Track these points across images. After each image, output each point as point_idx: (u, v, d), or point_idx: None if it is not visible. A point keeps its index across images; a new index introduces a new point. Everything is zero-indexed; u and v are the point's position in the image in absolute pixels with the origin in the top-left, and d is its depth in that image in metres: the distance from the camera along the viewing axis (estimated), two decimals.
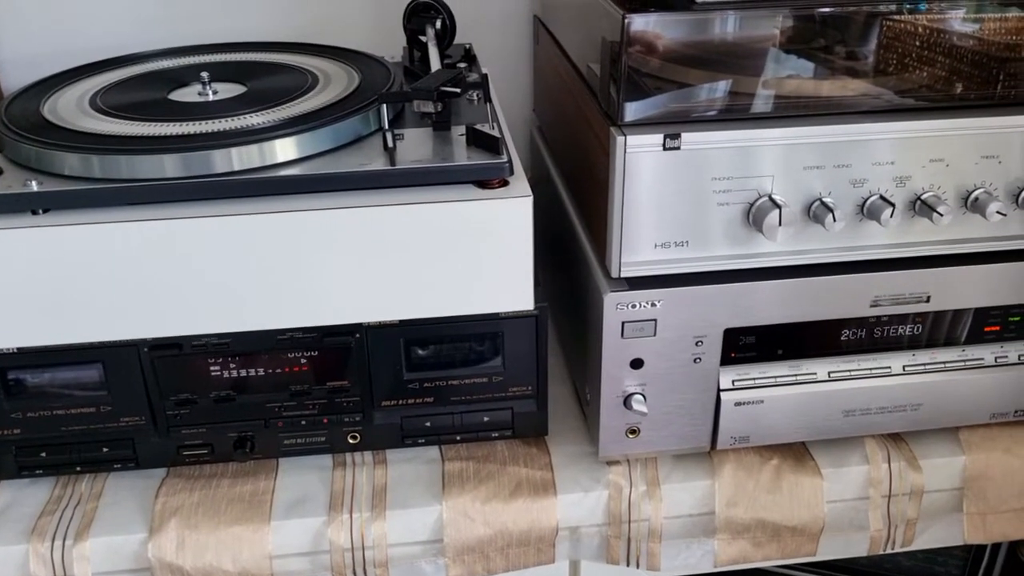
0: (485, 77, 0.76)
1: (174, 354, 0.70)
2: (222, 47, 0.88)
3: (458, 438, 0.76)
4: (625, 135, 0.62)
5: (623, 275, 0.67)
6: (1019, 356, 0.75)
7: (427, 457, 0.77)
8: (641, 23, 0.61)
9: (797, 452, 0.77)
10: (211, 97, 0.75)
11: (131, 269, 0.63)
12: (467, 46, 0.88)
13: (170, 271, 0.64)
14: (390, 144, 0.66)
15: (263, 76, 0.79)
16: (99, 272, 0.63)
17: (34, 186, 0.62)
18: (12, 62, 0.98)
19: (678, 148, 0.62)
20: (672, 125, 0.63)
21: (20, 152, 0.66)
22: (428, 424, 0.75)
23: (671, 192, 0.64)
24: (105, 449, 0.73)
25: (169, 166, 0.63)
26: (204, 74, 0.76)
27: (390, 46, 0.90)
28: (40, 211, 0.62)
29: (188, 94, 0.76)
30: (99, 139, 0.66)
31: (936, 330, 0.73)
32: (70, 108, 0.73)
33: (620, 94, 0.62)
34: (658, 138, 0.62)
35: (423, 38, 0.84)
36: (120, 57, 0.85)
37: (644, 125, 0.63)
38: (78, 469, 0.74)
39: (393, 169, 0.64)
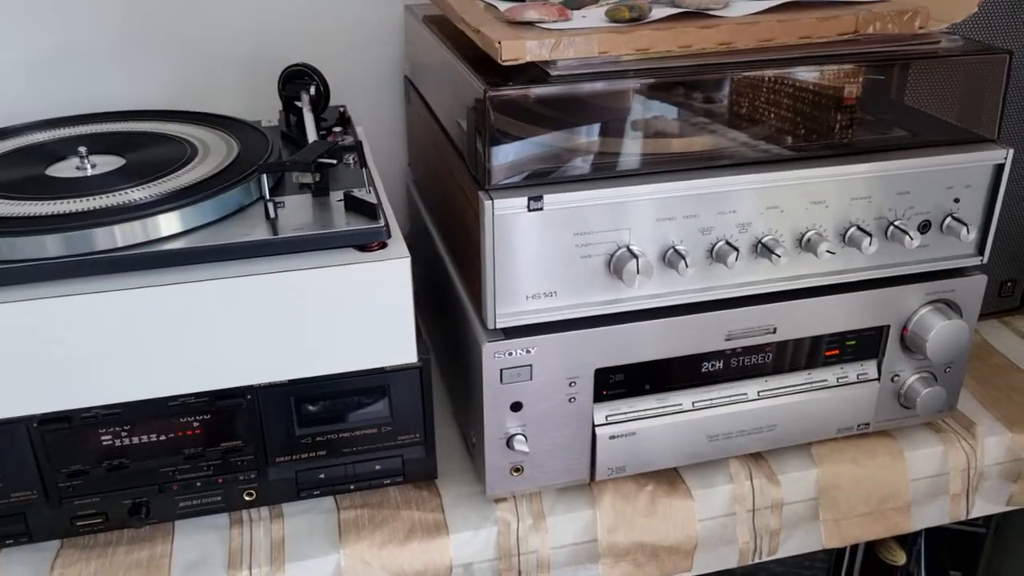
0: (359, 143, 0.80)
1: (64, 427, 0.70)
2: (98, 117, 0.89)
3: (352, 487, 0.79)
4: (493, 199, 0.67)
5: (499, 326, 0.72)
6: (857, 375, 0.83)
7: (323, 507, 0.79)
8: (501, 98, 0.66)
9: (670, 477, 0.83)
10: (90, 171, 0.76)
11: (18, 347, 0.64)
12: (341, 109, 0.91)
13: (59, 348, 0.64)
14: (271, 214, 0.69)
15: (141, 147, 0.80)
16: None
17: None
18: None
19: (541, 209, 0.68)
20: (536, 187, 0.68)
21: None
22: (322, 476, 0.78)
23: (538, 248, 0.69)
24: None
25: (51, 246, 0.64)
26: (82, 148, 0.77)
27: (266, 110, 0.92)
28: None
29: (66, 168, 0.77)
30: None
31: (784, 357, 0.81)
32: None
33: (486, 162, 0.67)
34: (523, 200, 0.67)
35: (299, 103, 0.87)
36: None
37: (510, 188, 0.68)
38: None
39: (275, 238, 0.67)
